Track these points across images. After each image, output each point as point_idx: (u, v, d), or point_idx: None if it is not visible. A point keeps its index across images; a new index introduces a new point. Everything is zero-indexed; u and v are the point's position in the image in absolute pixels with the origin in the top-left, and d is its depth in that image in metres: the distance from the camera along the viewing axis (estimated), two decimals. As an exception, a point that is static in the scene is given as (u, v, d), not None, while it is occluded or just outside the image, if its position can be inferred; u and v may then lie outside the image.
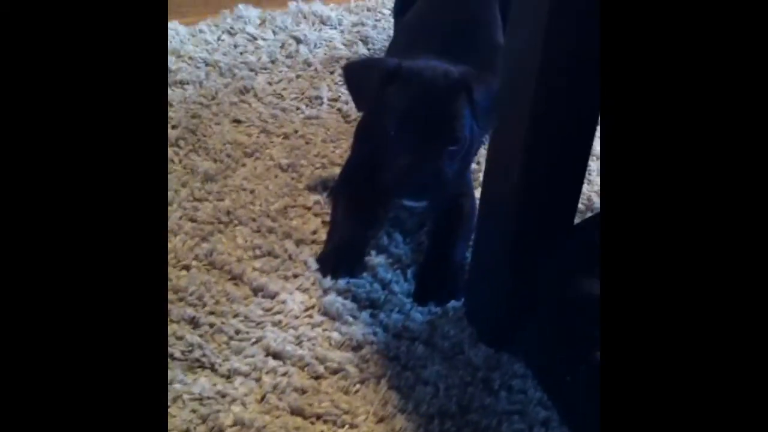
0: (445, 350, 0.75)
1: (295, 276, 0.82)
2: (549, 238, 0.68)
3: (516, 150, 0.63)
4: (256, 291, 0.80)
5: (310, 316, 0.77)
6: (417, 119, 0.78)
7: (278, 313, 0.78)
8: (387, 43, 1.16)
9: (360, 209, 0.85)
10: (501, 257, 0.69)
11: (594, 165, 0.96)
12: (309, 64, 1.13)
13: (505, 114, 0.64)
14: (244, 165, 0.95)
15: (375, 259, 0.83)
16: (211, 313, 0.77)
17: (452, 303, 0.79)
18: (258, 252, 0.84)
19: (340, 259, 0.81)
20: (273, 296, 0.79)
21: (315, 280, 0.81)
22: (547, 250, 0.69)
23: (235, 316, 0.77)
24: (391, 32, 1.18)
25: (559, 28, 0.54)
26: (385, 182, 0.80)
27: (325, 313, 0.78)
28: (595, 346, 0.66)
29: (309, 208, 0.90)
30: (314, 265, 0.82)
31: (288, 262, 0.83)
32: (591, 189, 0.94)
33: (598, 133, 0.67)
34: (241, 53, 1.15)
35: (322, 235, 0.86)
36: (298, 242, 0.85)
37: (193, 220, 0.87)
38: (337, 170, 0.95)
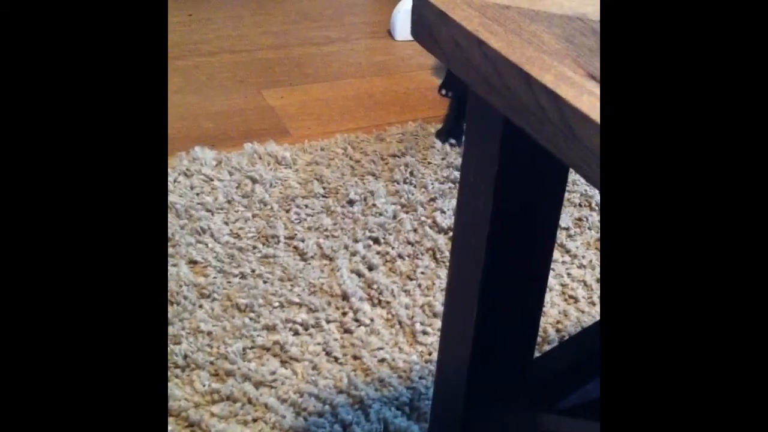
0: (409, 493, 0.73)
1: (255, 420, 0.80)
2: (507, 375, 0.69)
3: (472, 292, 0.64)
4: (215, 438, 0.78)
5: (271, 463, 0.76)
6: None
7: (238, 460, 0.76)
8: (342, 181, 1.20)
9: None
10: (458, 397, 0.70)
11: (547, 296, 0.98)
12: (265, 204, 1.15)
13: (460, 262, 0.66)
14: (201, 306, 0.95)
15: (336, 398, 0.83)
16: (168, 463, 0.75)
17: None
18: (216, 396, 0.83)
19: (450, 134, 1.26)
20: (232, 443, 0.77)
21: (275, 423, 0.80)
22: (505, 387, 0.69)
23: (193, 465, 0.75)
24: (345, 170, 1.22)
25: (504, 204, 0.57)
26: None
27: (286, 459, 0.76)
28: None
29: (268, 349, 0.89)
30: (277, 408, 0.81)
31: (247, 406, 0.82)
32: (546, 321, 0.95)
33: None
34: (197, 194, 1.17)
35: (282, 376, 0.85)
36: (258, 384, 0.84)
37: (149, 366, 0.86)
38: (296, 309, 0.95)
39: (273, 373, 0.86)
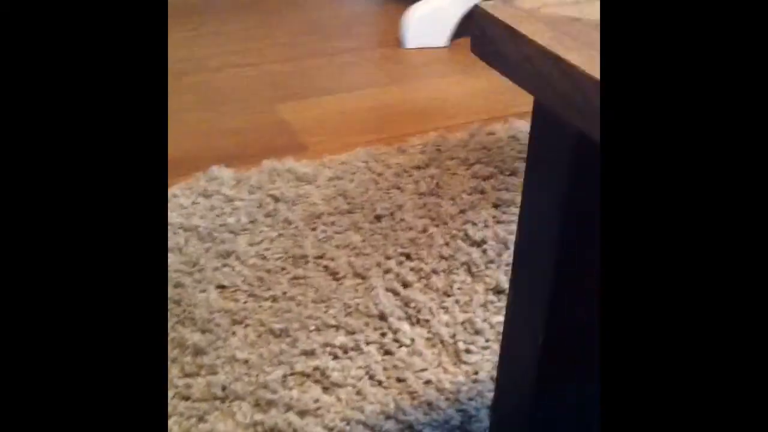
0: None
1: (302, 452, 0.77)
2: (571, 403, 0.66)
3: (535, 322, 0.62)
4: (264, 473, 0.75)
5: (324, 497, 0.73)
6: None
7: (289, 496, 0.73)
8: (367, 196, 1.17)
9: None
10: (522, 416, 0.67)
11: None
12: (289, 222, 1.12)
13: (520, 288, 0.63)
14: (234, 333, 0.92)
15: (384, 425, 0.80)
16: (218, 502, 0.72)
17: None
18: (260, 428, 0.80)
19: None
20: (282, 478, 0.74)
21: (323, 455, 0.77)
22: (568, 405, 0.67)
23: (244, 504, 0.72)
24: (369, 185, 1.19)
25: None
26: None
27: (339, 492, 0.73)
28: None
29: (308, 375, 0.86)
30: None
31: (293, 438, 0.79)
32: (591, 333, 0.93)
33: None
34: (218, 215, 1.14)
35: (326, 404, 0.83)
36: (302, 413, 0.81)
37: (186, 399, 0.83)
38: (333, 332, 0.92)
39: (316, 400, 0.83)
